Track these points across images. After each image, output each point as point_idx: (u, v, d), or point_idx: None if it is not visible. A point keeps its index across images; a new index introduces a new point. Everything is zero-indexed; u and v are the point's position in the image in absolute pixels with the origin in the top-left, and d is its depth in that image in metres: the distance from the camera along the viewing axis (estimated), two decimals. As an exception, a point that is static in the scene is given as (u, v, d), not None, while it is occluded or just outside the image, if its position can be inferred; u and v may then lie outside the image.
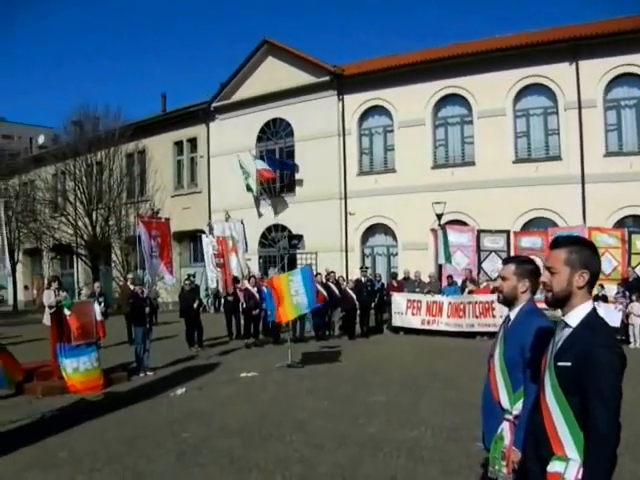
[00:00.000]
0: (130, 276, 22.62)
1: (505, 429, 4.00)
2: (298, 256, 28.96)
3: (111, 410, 11.63)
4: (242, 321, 21.52)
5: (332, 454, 8.42)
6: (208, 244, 21.96)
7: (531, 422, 3.47)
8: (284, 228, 33.18)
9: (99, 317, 16.01)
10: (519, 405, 3.89)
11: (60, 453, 9.00)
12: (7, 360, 12.42)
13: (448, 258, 23.08)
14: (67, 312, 14.23)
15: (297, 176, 33.30)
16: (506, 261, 4.37)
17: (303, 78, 33.12)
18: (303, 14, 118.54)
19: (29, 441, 9.59)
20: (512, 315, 4.18)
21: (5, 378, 12.11)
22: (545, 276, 3.45)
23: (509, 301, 4.21)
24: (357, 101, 31.82)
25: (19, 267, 45.67)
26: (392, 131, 31.15)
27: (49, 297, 14.61)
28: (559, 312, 3.43)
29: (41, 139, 55.31)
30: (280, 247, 31.18)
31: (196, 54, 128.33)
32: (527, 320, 4.03)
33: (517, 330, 4.05)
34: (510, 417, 3.96)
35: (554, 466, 3.19)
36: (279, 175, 33.97)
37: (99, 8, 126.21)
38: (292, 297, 16.41)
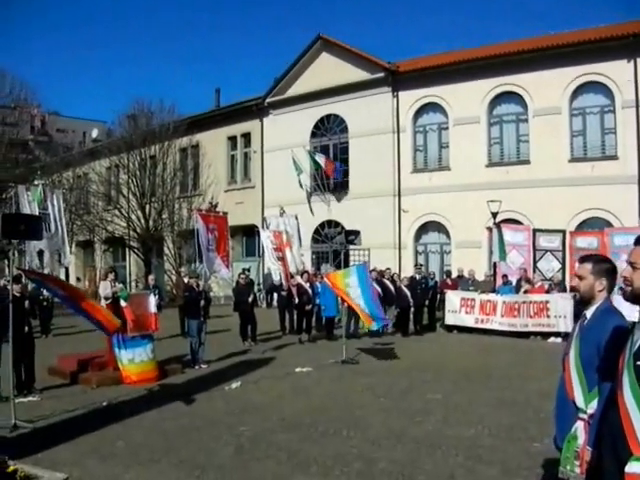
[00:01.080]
0: (185, 269, 22.83)
1: (579, 428, 3.94)
2: (351, 252, 28.94)
3: (167, 402, 11.74)
4: (295, 316, 21.59)
5: (390, 451, 8.39)
6: (267, 238, 21.98)
7: (607, 422, 3.43)
8: (337, 224, 33.23)
9: (154, 309, 16.15)
10: (594, 404, 3.85)
11: (117, 442, 9.12)
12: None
13: (503, 257, 22.87)
14: (123, 303, 14.40)
15: (351, 172, 33.31)
16: (583, 260, 4.32)
17: (357, 74, 33.07)
18: (358, 10, 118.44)
19: (86, 430, 9.74)
20: (588, 314, 4.14)
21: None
22: (627, 271, 3.41)
23: (586, 300, 4.17)
24: (412, 98, 31.68)
25: (72, 259, 46.20)
26: (447, 128, 30.97)
27: (105, 288, 14.80)
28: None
29: (95, 133, 56.02)
30: (337, 242, 31.21)
31: (250, 49, 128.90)
32: (604, 319, 3.99)
33: (593, 329, 4.01)
34: (584, 416, 3.92)
35: (633, 466, 3.14)
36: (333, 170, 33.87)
37: (155, 4, 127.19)
38: (363, 311, 16.36)
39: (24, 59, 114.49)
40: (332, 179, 33.82)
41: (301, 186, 34.22)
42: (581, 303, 4.29)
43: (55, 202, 16.96)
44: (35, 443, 8.99)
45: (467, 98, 29.55)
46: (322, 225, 34.56)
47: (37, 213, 15.62)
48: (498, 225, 23.50)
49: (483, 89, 29.37)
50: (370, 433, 9.20)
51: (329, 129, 34.64)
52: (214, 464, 8.07)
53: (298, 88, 35.69)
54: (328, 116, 34.54)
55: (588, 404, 3.91)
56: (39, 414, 10.86)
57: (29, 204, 16.11)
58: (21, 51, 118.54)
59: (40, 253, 17.64)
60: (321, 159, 33.42)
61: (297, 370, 14.87)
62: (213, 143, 39.87)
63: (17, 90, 39.54)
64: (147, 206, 39.40)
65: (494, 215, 24.14)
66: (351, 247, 21.83)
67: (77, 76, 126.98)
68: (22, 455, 7.44)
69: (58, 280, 12.68)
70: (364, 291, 16.38)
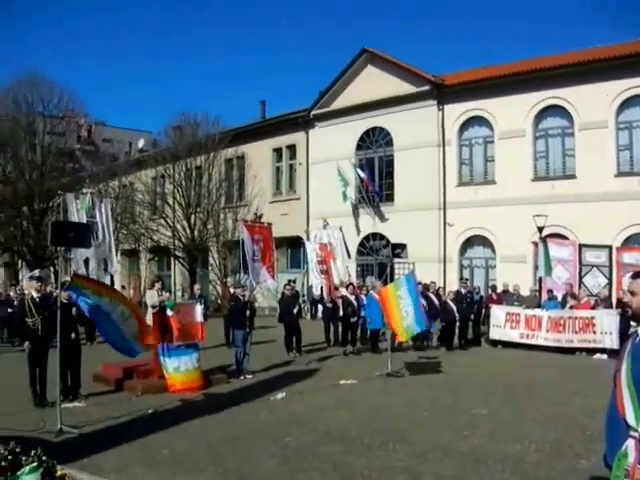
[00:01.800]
0: (230, 280, 22.97)
1: (630, 446, 3.94)
2: (396, 265, 28.82)
3: (212, 411, 11.85)
4: (340, 328, 21.62)
5: (436, 465, 8.42)
6: (312, 251, 22.03)
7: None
8: (382, 237, 33.17)
9: (200, 319, 16.28)
10: (646, 422, 3.86)
11: (163, 450, 9.25)
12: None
13: (548, 272, 22.72)
14: (170, 312, 14.57)
15: (396, 185, 33.21)
16: (636, 276, 4.33)
17: (403, 87, 33.04)
18: (403, 22, 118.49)
19: (131, 437, 9.91)
20: (641, 330, 4.14)
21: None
22: (627, 297, 3.43)
23: (638, 316, 4.18)
24: (457, 111, 31.56)
25: (117, 267, 46.54)
26: (492, 142, 30.74)
27: (152, 297, 14.99)
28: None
29: (141, 143, 56.51)
30: (382, 255, 31.21)
31: (296, 61, 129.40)
32: (657, 336, 4.00)
33: (646, 346, 4.02)
34: (636, 434, 3.91)
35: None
36: (378, 184, 33.95)
37: (202, 19, 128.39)
38: (403, 320, 16.35)
39: (72, 69, 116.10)
40: (374, 193, 33.75)
41: (344, 199, 34.26)
42: (633, 319, 4.30)
43: (103, 210, 17.20)
44: (80, 448, 9.15)
45: (513, 112, 29.33)
46: (367, 237, 34.44)
47: (85, 221, 15.82)
48: (544, 240, 23.35)
49: (528, 103, 29.13)
50: (416, 447, 9.22)
51: (374, 142, 34.56)
52: (259, 474, 8.17)
53: (343, 101, 35.74)
54: (373, 129, 34.44)
55: (639, 422, 3.92)
56: (85, 420, 11.07)
57: (77, 212, 16.34)
58: (69, 61, 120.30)
59: (86, 261, 17.87)
60: (361, 174, 33.53)
61: (342, 382, 14.91)
62: (258, 154, 40.01)
63: (65, 100, 40.30)
64: (192, 216, 39.62)
65: (540, 230, 23.97)
66: (396, 260, 21.78)
67: (124, 87, 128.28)
68: (67, 460, 7.54)
69: (109, 288, 12.86)
70: (414, 299, 16.42)
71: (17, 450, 4.51)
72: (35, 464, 4.30)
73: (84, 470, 6.17)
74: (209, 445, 9.53)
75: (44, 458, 4.61)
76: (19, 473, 4.12)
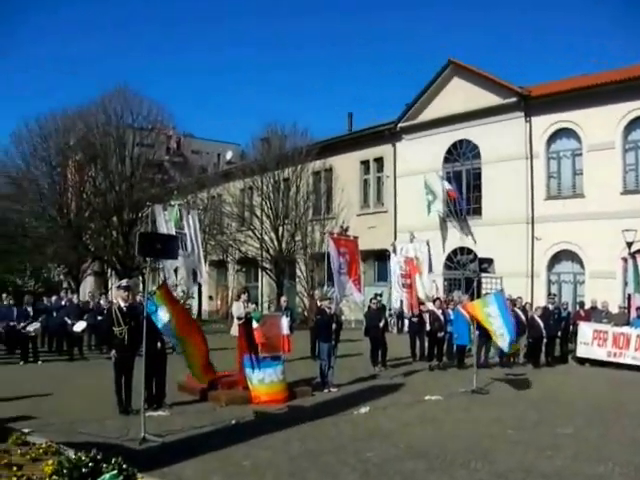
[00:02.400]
0: (317, 292, 23.19)
1: None
2: (484, 280, 28.61)
3: (295, 424, 11.96)
4: (426, 343, 21.63)
5: (518, 485, 8.36)
6: (396, 264, 22.12)
7: None
8: (470, 251, 33.06)
9: (286, 331, 16.46)
10: None
11: (244, 462, 9.38)
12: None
13: (638, 288, 22.32)
14: (255, 324, 14.79)
15: (484, 199, 33.07)
16: None
17: (489, 99, 32.89)
18: (489, 34, 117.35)
19: (213, 447, 10.09)
20: None
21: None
22: None
23: None
24: (545, 123, 31.18)
25: (205, 278, 47.13)
26: (580, 154, 30.26)
27: (238, 309, 15.16)
28: None
29: (229, 155, 57.34)
30: (469, 270, 31.09)
31: (383, 73, 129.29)
32: None
33: None
34: None
35: None
36: (465, 197, 33.89)
37: (287, 32, 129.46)
38: (499, 337, 16.36)
39: (161, 82, 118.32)
40: (460, 206, 33.64)
41: (429, 212, 34.23)
42: None
43: (191, 222, 17.51)
44: (163, 457, 9.38)
45: (601, 123, 28.84)
46: (454, 251, 34.36)
47: (174, 232, 16.18)
48: (633, 255, 22.96)
49: (618, 113, 28.58)
50: (498, 466, 9.19)
51: (462, 154, 34.44)
52: (337, 489, 8.25)
53: (430, 113, 35.76)
54: (460, 141, 34.33)
55: None
56: (168, 429, 11.32)
57: (166, 223, 16.69)
58: (158, 75, 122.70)
59: (176, 270, 18.25)
60: (448, 187, 33.52)
61: (426, 398, 14.91)
62: (346, 167, 40.26)
63: (154, 113, 41.30)
64: (280, 228, 40.07)
65: (629, 245, 23.60)
66: (483, 275, 21.69)
67: (213, 99, 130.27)
68: (149, 468, 7.75)
69: (184, 310, 13.26)
70: (505, 319, 16.31)
71: (98, 457, 4.76)
72: (115, 471, 4.54)
73: (164, 478, 6.39)
74: (290, 458, 9.66)
75: (124, 466, 4.84)
76: (99, 479, 4.38)
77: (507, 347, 16.81)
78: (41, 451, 6.10)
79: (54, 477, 4.68)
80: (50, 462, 5.40)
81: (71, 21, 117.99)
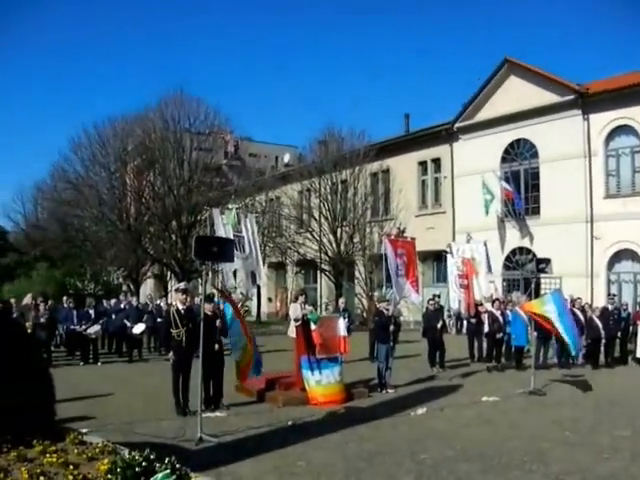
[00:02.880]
0: (376, 294, 23.22)
1: None
2: (542, 281, 28.31)
3: (351, 425, 11.99)
4: (485, 344, 21.51)
5: (573, 487, 8.27)
6: (452, 265, 22.04)
7: None
8: (528, 251, 32.73)
9: (344, 332, 16.52)
10: None
11: (299, 462, 9.45)
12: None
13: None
14: (313, 326, 14.86)
15: (542, 198, 32.76)
16: None
17: (546, 97, 32.57)
18: (545, 31, 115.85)
19: (269, 448, 10.15)
20: None
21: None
22: None
23: None
24: (603, 120, 30.71)
25: (264, 280, 47.55)
26: (640, 152, 29.93)
27: (295, 310, 15.27)
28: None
29: (286, 157, 57.91)
30: (527, 270, 30.82)
31: (439, 73, 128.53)
32: None
33: None
34: None
35: None
36: (524, 197, 33.59)
37: (348, 36, 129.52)
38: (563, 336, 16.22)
39: (219, 87, 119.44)
40: (518, 206, 33.35)
41: (487, 212, 34.08)
42: None
43: (249, 225, 17.66)
44: (218, 457, 9.48)
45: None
46: (513, 252, 34.11)
47: (232, 236, 16.33)
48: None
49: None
50: (553, 468, 9.10)
51: (519, 154, 34.15)
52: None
53: (487, 112, 35.59)
54: (518, 140, 34.06)
55: None
56: (224, 429, 11.45)
57: (224, 227, 16.85)
58: (217, 79, 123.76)
59: (235, 273, 18.41)
60: (506, 187, 33.28)
61: (483, 399, 14.84)
62: (403, 168, 40.19)
63: (211, 117, 41.87)
64: (338, 230, 40.24)
65: (688, 243, 23.16)
66: (542, 275, 21.47)
67: (269, 102, 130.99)
68: (205, 468, 7.84)
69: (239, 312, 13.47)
70: (563, 319, 16.13)
71: (151, 457, 4.86)
72: (168, 471, 4.63)
73: (220, 478, 6.47)
74: (346, 459, 9.69)
75: (178, 465, 4.94)
76: (152, 479, 4.47)
77: (573, 349, 16.67)
78: (97, 450, 6.24)
79: (108, 476, 4.80)
80: (105, 461, 5.53)
81: (127, 23, 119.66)
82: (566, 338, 16.14)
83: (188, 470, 5.17)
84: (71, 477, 5.50)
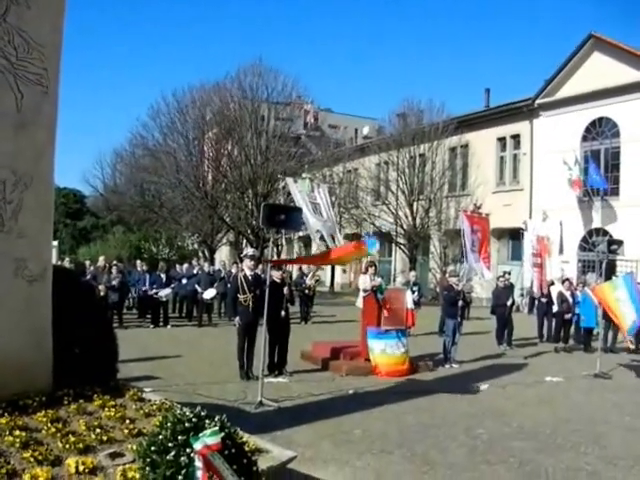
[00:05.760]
0: (449, 269, 23.16)
1: None
2: (618, 263, 27.81)
3: (412, 397, 12.12)
4: (554, 324, 21.31)
5: (625, 472, 8.25)
6: (528, 243, 21.85)
7: None
8: (605, 232, 31.95)
9: (410, 305, 16.56)
10: None
11: (355, 430, 9.65)
12: None
13: None
14: (380, 297, 15.01)
15: (622, 179, 32.04)
16: None
17: (631, 75, 31.54)
18: (633, 5, 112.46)
19: (327, 415, 10.36)
20: None
21: None
22: None
23: None
24: (689, 99, 29.82)
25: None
26: None
27: (364, 282, 15.43)
28: None
29: (365, 130, 57.70)
30: (599, 251, 30.29)
31: (521, 48, 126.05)
32: None
33: None
34: None
35: None
36: (604, 177, 32.84)
37: (424, 2, 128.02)
38: (625, 322, 15.96)
39: (298, 59, 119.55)
40: (600, 184, 32.65)
41: (570, 184, 33.45)
42: None
43: (322, 195, 17.81)
44: (276, 421, 9.71)
45: None
46: (590, 233, 33.42)
47: (308, 203, 16.47)
48: None
49: None
50: (608, 451, 9.06)
51: (600, 133, 33.37)
52: (445, 462, 8.36)
53: (569, 89, 34.79)
54: (600, 119, 33.29)
55: None
56: (285, 395, 11.75)
57: (299, 193, 17.04)
58: (296, 52, 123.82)
59: (322, 238, 18.55)
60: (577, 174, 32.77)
61: (547, 379, 14.78)
62: (482, 143, 39.73)
63: (288, 87, 41.90)
64: (415, 204, 40.20)
65: None
66: (618, 257, 21.10)
67: (351, 74, 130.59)
68: (262, 431, 7.93)
69: (302, 258, 13.51)
70: (635, 302, 15.83)
71: (202, 414, 5.01)
72: (216, 428, 4.77)
73: (274, 442, 6.64)
74: (401, 429, 9.83)
75: (228, 424, 5.08)
76: (200, 435, 4.62)
77: (632, 329, 16.38)
78: (155, 407, 6.40)
79: (157, 430, 4.98)
80: (161, 418, 5.74)
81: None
82: (634, 318, 15.80)
83: (237, 429, 5.31)
84: (126, 431, 5.68)
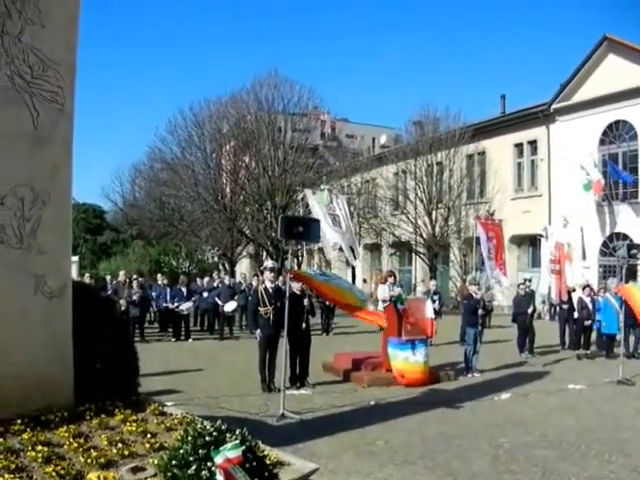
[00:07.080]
0: (469, 277, 23.11)
1: None
2: (639, 268, 27.66)
3: (433, 407, 12.09)
4: (575, 331, 21.17)
5: (650, 480, 8.14)
6: (547, 249, 21.77)
7: None
8: (626, 237, 31.78)
9: (431, 315, 16.53)
10: None
11: (377, 441, 9.64)
12: None
13: None
14: (400, 307, 14.99)
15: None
16: None
17: (646, 76, 31.38)
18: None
19: (349, 427, 10.33)
20: None
21: None
22: None
23: None
24: None
25: (358, 261, 47.49)
26: None
27: (384, 292, 15.44)
28: None
29: (383, 139, 57.71)
30: (619, 256, 30.12)
31: (535, 54, 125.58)
32: None
33: None
34: None
35: None
36: (623, 182, 32.68)
37: (438, 13, 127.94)
38: None
39: (314, 71, 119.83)
40: (621, 190, 32.49)
41: (586, 189, 33.18)
42: None
43: (341, 206, 17.83)
44: (298, 433, 9.72)
45: None
46: (610, 237, 33.23)
47: (327, 214, 16.49)
48: None
49: None
50: (633, 459, 8.95)
51: (618, 136, 33.17)
52: (467, 472, 8.34)
53: (585, 93, 34.57)
54: (617, 122, 33.06)
55: None
56: (307, 407, 11.77)
57: (318, 204, 17.07)
58: (311, 63, 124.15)
59: (341, 249, 18.54)
60: (598, 176, 32.55)
61: (569, 387, 14.65)
62: (499, 150, 39.59)
63: (304, 98, 42.08)
64: (434, 212, 40.08)
65: None
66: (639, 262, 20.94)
67: (367, 83, 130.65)
68: (284, 443, 7.91)
69: (323, 287, 13.42)
70: None
71: (222, 428, 5.03)
72: (237, 442, 4.79)
73: (296, 454, 6.64)
74: (424, 440, 9.81)
75: (249, 437, 5.10)
76: (221, 448, 4.64)
77: None
78: (176, 421, 6.44)
79: (178, 444, 5.01)
80: (182, 432, 5.77)
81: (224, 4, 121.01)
82: None
83: (259, 442, 5.33)
84: (148, 445, 5.72)
